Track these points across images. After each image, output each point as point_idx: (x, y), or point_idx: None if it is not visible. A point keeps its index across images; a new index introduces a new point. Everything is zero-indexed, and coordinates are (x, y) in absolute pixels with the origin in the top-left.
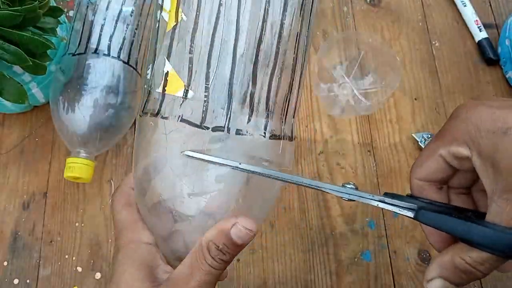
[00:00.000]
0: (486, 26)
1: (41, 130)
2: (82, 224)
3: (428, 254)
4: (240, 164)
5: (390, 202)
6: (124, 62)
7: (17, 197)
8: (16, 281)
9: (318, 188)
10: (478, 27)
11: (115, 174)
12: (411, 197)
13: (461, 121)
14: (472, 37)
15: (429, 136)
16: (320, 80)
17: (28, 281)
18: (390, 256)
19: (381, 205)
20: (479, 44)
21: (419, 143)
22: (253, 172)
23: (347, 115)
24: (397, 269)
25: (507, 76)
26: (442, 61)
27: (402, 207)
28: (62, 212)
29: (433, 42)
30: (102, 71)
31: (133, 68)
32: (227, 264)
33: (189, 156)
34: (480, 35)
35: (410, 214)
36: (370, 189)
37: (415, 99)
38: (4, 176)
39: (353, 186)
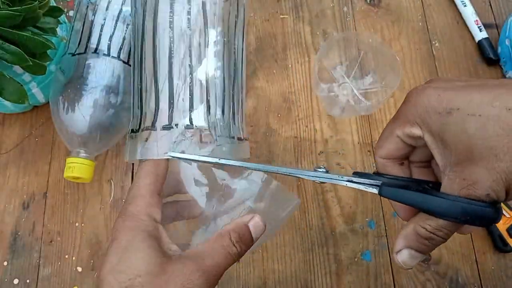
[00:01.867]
0: (486, 26)
1: (41, 130)
2: (82, 224)
3: (428, 254)
4: (219, 159)
5: (357, 181)
6: (124, 62)
7: (17, 197)
8: (16, 281)
9: (291, 175)
10: (478, 27)
11: (115, 174)
12: (377, 174)
13: (411, 104)
14: (472, 37)
15: None
16: (320, 80)
17: (28, 281)
18: (390, 256)
19: (349, 184)
20: (479, 44)
21: None
22: (231, 165)
23: (347, 115)
24: (397, 269)
25: (507, 76)
26: (442, 61)
27: (368, 185)
28: (62, 212)
29: (433, 42)
30: (102, 71)
31: None
32: (240, 255)
33: (172, 156)
34: (480, 35)
35: (375, 190)
36: None
37: None
38: (4, 176)
39: (324, 170)
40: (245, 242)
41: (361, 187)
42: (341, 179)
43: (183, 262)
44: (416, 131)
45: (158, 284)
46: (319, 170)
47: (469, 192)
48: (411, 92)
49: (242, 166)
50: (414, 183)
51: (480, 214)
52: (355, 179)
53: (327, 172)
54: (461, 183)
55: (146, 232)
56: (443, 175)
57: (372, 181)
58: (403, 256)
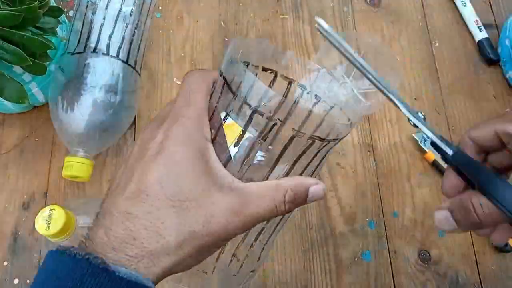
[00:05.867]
0: (486, 26)
1: (41, 130)
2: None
3: (428, 254)
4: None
5: (440, 139)
6: (123, 61)
7: (17, 197)
8: (16, 281)
9: (394, 102)
10: (478, 27)
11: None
12: (455, 146)
13: None
14: (472, 37)
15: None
16: None
17: (28, 281)
18: (390, 256)
19: (434, 138)
20: (479, 44)
21: (419, 143)
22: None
23: None
24: (397, 269)
25: (507, 76)
26: (442, 61)
27: (445, 144)
28: None
29: (433, 42)
30: (101, 71)
31: (132, 67)
32: (285, 213)
33: (320, 25)
34: (480, 35)
35: (450, 151)
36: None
37: (415, 99)
38: (4, 176)
39: (422, 116)
40: (297, 203)
41: (442, 145)
42: (429, 127)
43: (230, 200)
44: None
45: (203, 215)
46: (419, 113)
47: None
48: None
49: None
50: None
51: None
52: (440, 138)
53: (424, 119)
54: None
55: (198, 152)
56: None
57: (449, 146)
58: (440, 215)
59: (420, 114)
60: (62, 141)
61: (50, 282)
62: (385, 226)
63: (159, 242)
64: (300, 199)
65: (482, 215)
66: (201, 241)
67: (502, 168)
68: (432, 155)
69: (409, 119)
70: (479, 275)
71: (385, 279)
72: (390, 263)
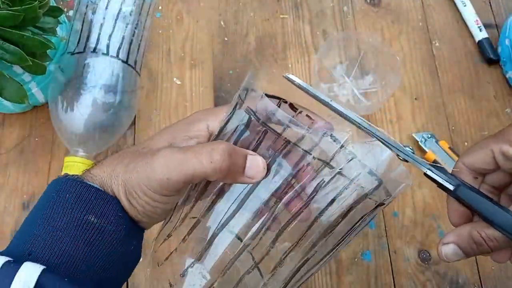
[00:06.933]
0: (486, 26)
1: (41, 130)
2: None
3: (428, 254)
4: (331, 101)
5: (436, 173)
6: (123, 61)
7: (17, 197)
8: None
9: (382, 140)
10: (478, 27)
11: None
12: (451, 174)
13: None
14: (472, 37)
15: (429, 135)
16: (320, 80)
17: None
18: (390, 256)
19: (429, 172)
20: (479, 44)
21: (419, 143)
22: (343, 114)
23: None
24: (397, 269)
25: (507, 76)
26: (442, 61)
27: (445, 180)
28: None
29: (433, 42)
30: (101, 70)
31: (132, 67)
32: (221, 171)
33: (288, 78)
34: (480, 35)
35: (451, 187)
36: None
37: (415, 99)
38: (4, 176)
39: (410, 150)
40: (233, 161)
41: (439, 179)
42: (424, 164)
43: (174, 150)
44: None
45: (144, 163)
46: (406, 147)
47: None
48: None
49: (347, 115)
50: (482, 194)
51: None
52: (434, 170)
53: (413, 153)
54: None
55: (185, 130)
56: None
57: (447, 178)
58: (448, 249)
59: (408, 148)
60: (62, 141)
61: (42, 196)
62: (385, 226)
63: (112, 168)
64: (237, 160)
65: (494, 247)
66: (135, 179)
67: (500, 187)
68: (433, 154)
69: (398, 155)
70: (479, 275)
71: (385, 279)
72: (390, 263)
